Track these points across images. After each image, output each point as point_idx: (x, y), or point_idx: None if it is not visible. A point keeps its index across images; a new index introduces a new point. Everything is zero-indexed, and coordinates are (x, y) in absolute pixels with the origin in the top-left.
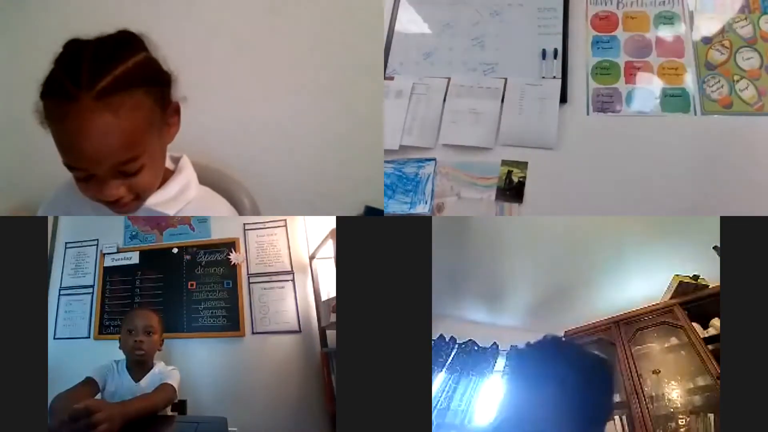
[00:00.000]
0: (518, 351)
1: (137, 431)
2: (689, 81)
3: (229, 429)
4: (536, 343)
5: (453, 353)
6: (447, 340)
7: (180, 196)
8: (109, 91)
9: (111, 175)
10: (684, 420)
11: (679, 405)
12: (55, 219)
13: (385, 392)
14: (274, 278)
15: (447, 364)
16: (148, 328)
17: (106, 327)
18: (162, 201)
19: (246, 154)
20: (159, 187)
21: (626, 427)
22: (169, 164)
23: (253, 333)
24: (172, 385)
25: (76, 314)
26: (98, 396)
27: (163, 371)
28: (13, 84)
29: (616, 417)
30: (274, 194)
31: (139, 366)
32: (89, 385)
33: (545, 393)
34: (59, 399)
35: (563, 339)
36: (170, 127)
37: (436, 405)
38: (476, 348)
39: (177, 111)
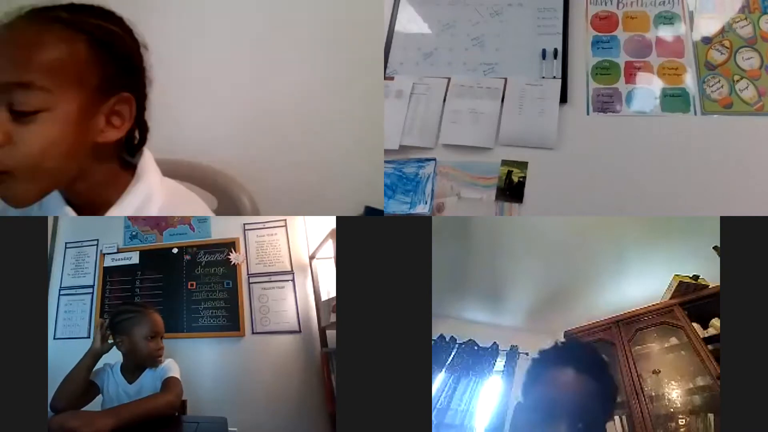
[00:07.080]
0: (548, 350)
1: (137, 431)
2: (689, 81)
3: (229, 429)
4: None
5: (453, 353)
6: (447, 340)
7: (142, 209)
8: (53, 19)
9: (1, 100)
10: (684, 420)
11: (679, 405)
12: (55, 219)
13: (385, 392)
14: (274, 278)
15: (447, 364)
16: (162, 333)
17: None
18: None
19: (246, 154)
20: (116, 200)
21: (626, 427)
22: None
23: (253, 333)
24: (176, 378)
25: (76, 314)
26: (99, 398)
27: (157, 368)
28: None
29: (616, 417)
30: (274, 194)
31: (135, 368)
32: (89, 388)
33: (571, 383)
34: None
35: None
36: (108, 123)
37: (436, 405)
38: (476, 348)
39: (129, 104)
